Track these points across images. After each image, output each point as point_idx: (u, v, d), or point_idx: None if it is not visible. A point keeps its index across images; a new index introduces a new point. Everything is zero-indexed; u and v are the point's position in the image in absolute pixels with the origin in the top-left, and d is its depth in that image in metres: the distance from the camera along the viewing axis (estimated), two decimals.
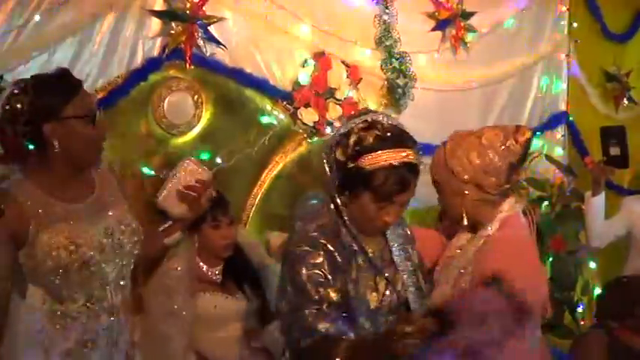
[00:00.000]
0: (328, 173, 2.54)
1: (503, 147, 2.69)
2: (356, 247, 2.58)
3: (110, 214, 2.78)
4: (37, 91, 2.66)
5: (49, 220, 2.62)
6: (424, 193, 2.85)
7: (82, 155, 2.70)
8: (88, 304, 2.68)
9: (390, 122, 2.51)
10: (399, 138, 2.48)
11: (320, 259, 2.46)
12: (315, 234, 2.51)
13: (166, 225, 3.03)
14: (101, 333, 2.71)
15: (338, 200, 2.54)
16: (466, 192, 2.72)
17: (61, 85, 2.68)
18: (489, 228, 2.74)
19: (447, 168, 2.76)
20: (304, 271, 2.44)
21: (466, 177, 2.71)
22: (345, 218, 2.55)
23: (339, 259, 2.49)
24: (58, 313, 2.65)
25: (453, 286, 2.73)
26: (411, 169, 2.47)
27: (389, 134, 2.45)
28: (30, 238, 2.59)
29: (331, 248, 2.49)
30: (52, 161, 2.66)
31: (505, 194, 2.76)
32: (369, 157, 2.42)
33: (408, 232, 2.82)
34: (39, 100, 2.63)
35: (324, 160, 2.55)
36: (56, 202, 2.66)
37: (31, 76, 2.77)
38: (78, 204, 2.72)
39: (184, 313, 3.27)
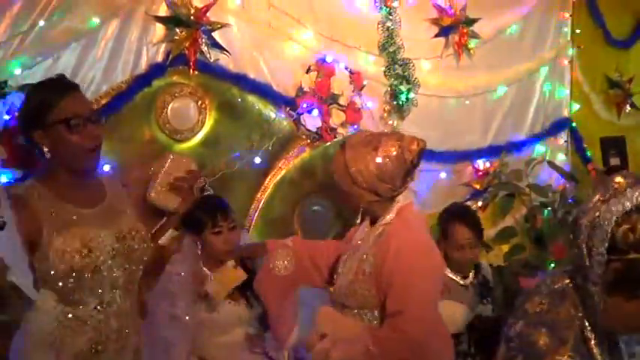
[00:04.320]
0: (587, 262, 1.98)
1: (398, 157, 2.91)
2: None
3: (121, 220, 2.81)
4: (27, 99, 2.72)
5: (62, 224, 2.65)
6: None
7: (70, 161, 2.72)
8: (98, 308, 2.70)
9: None
10: None
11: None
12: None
13: (161, 223, 3.02)
14: (111, 336, 2.74)
15: (596, 297, 1.99)
16: (365, 195, 2.94)
17: (47, 91, 2.72)
18: (387, 217, 2.98)
19: (347, 175, 2.93)
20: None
21: (365, 185, 2.92)
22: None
23: None
24: (70, 316, 2.67)
25: (355, 272, 2.98)
26: None
27: None
28: (43, 242, 2.61)
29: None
30: (54, 166, 2.70)
31: (400, 193, 3.02)
32: None
33: None
34: (27, 108, 2.70)
35: (581, 245, 2.00)
36: (68, 205, 2.70)
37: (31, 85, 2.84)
38: (89, 209, 2.75)
39: (187, 318, 3.27)
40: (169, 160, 2.87)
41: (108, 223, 2.76)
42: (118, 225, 2.78)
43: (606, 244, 1.93)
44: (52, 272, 2.62)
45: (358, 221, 3.22)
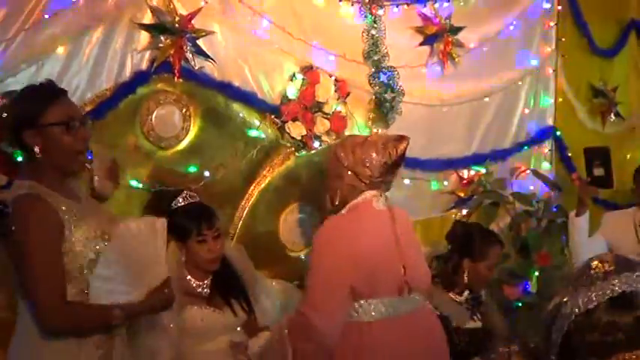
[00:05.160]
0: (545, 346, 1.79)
1: (382, 147, 3.28)
2: None
3: (98, 210, 3.00)
4: (18, 99, 2.83)
5: (76, 217, 2.76)
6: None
7: (61, 162, 2.79)
8: None
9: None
10: None
11: None
12: None
13: None
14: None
15: None
16: (344, 176, 3.30)
17: (40, 93, 2.80)
18: (342, 212, 3.31)
19: (335, 155, 3.37)
20: None
21: (346, 164, 3.29)
22: None
23: None
24: None
25: None
26: None
27: None
28: (66, 235, 2.71)
29: None
30: (42, 166, 2.74)
31: (375, 186, 3.31)
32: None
33: None
34: (19, 108, 2.77)
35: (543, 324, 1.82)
36: (70, 201, 2.75)
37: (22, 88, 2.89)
38: (79, 203, 2.87)
39: (171, 326, 3.26)
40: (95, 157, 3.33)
41: (95, 215, 2.86)
42: (99, 215, 2.88)
43: (559, 340, 1.73)
44: (77, 263, 2.73)
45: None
